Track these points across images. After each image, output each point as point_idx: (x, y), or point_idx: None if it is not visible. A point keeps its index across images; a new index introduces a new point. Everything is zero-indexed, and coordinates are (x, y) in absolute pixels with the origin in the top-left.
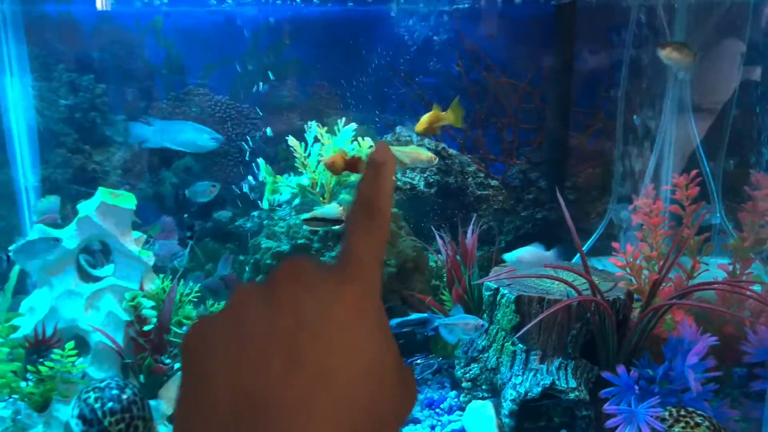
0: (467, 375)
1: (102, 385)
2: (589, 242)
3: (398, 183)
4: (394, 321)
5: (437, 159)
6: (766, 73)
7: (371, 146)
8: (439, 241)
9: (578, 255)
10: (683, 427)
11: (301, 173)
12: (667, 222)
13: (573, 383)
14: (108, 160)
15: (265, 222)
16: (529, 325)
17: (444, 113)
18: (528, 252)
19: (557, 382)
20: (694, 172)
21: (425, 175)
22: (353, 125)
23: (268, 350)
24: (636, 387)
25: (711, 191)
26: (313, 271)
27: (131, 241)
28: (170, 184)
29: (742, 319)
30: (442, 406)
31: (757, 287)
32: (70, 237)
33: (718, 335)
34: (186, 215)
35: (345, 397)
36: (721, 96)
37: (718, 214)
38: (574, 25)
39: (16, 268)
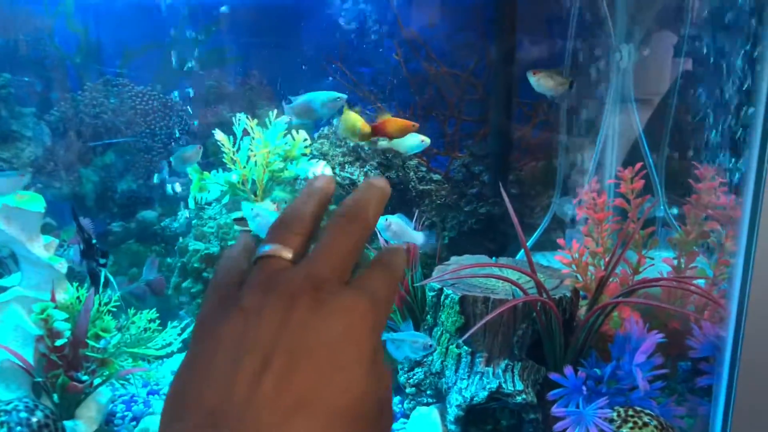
0: (411, 380)
1: (8, 407)
2: (533, 237)
3: (336, 178)
4: None
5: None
6: (708, 63)
7: (305, 140)
8: (381, 239)
9: (522, 251)
10: (631, 428)
11: (230, 169)
12: (612, 216)
13: (520, 386)
14: (16, 156)
15: (193, 222)
16: (474, 328)
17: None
18: (395, 221)
19: (504, 386)
20: (638, 165)
21: (365, 169)
22: (285, 117)
23: (237, 367)
24: (584, 388)
25: (654, 183)
26: (292, 276)
27: (40, 247)
28: (90, 182)
29: (687, 314)
30: None
31: (700, 282)
32: None
33: (664, 331)
34: (109, 220)
35: None
36: (662, 87)
37: (661, 207)
38: (516, 14)
39: None
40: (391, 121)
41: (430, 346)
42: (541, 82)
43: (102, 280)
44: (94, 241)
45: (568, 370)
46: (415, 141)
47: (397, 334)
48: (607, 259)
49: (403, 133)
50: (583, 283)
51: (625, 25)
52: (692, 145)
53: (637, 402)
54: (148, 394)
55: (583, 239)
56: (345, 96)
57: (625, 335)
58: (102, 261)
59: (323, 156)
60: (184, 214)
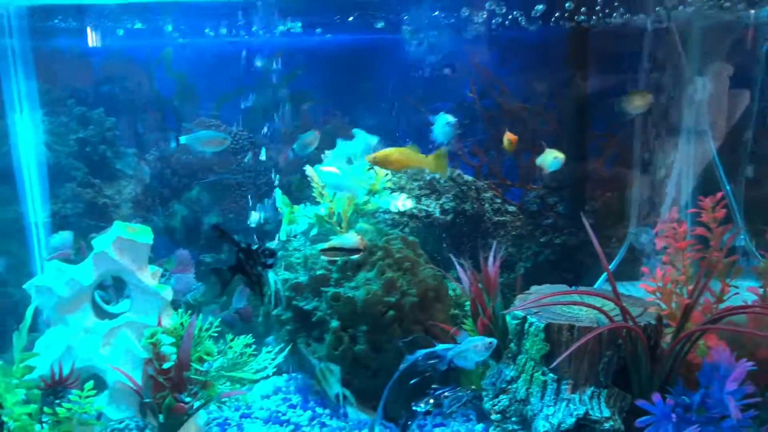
0: (496, 407)
1: (121, 426)
2: (611, 266)
3: (413, 210)
4: (410, 358)
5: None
6: None
7: (386, 174)
8: (459, 270)
9: (599, 281)
10: None
11: (317, 203)
12: (693, 245)
13: (607, 412)
14: (119, 193)
15: (280, 253)
16: (564, 355)
17: (424, 157)
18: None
19: (591, 412)
20: (719, 194)
21: (441, 201)
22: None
23: None
24: (673, 415)
25: (733, 212)
26: None
27: (148, 276)
28: (181, 216)
29: None
30: None
31: None
32: (85, 273)
33: (752, 360)
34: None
35: None
36: (736, 117)
37: (742, 236)
38: (587, 49)
39: (31, 306)
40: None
41: (490, 344)
42: (632, 101)
43: (272, 281)
44: (255, 246)
45: (656, 397)
46: (550, 157)
47: (457, 347)
48: (690, 288)
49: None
50: (668, 311)
51: (698, 59)
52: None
53: (729, 431)
54: (241, 417)
55: (664, 268)
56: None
57: (714, 363)
58: (270, 261)
59: (401, 189)
60: (271, 245)
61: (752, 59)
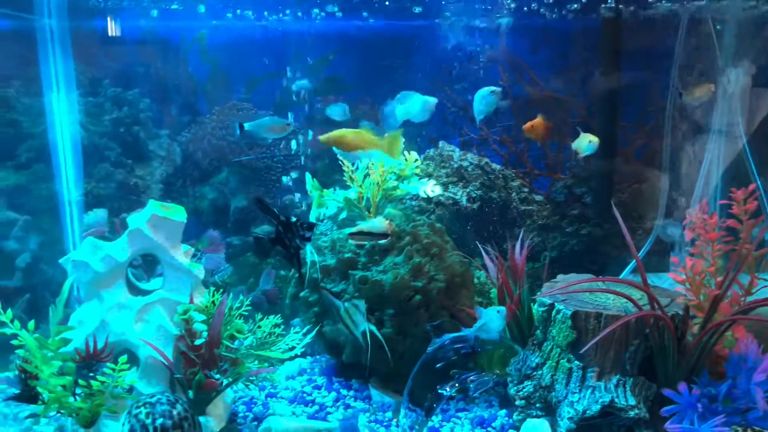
0: (521, 393)
1: (153, 400)
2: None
3: (441, 198)
4: (437, 341)
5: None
6: None
7: (416, 160)
8: (486, 257)
9: (626, 270)
10: None
11: (346, 188)
12: (723, 237)
13: (632, 401)
14: (150, 174)
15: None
16: (591, 342)
17: (378, 139)
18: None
19: (616, 400)
20: (752, 186)
21: (468, 189)
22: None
23: None
24: (698, 405)
25: (764, 206)
26: None
27: (181, 254)
28: (209, 199)
29: None
30: (493, 424)
31: None
32: (120, 250)
33: None
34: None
35: None
36: (764, 113)
37: None
38: (619, 39)
39: (68, 281)
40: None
41: (499, 311)
42: (695, 92)
43: (309, 255)
44: (293, 218)
45: (682, 386)
46: (585, 141)
47: (477, 324)
48: (718, 280)
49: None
50: (697, 302)
51: (732, 51)
52: None
53: (755, 422)
54: (267, 396)
55: (692, 259)
56: None
57: (741, 355)
58: (308, 234)
59: (429, 176)
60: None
61: None
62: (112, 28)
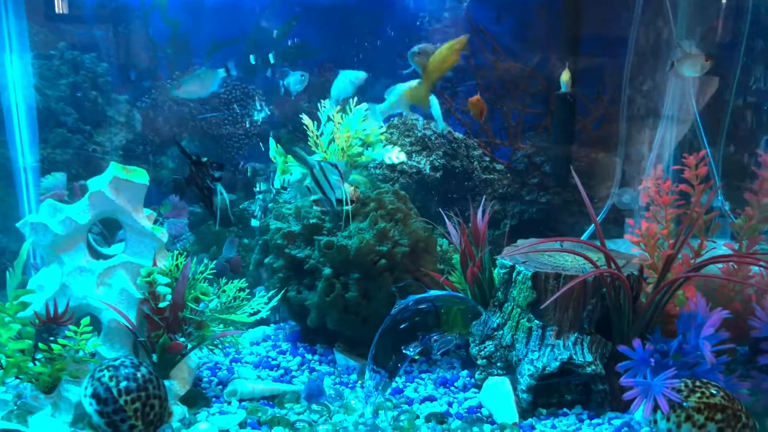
0: (482, 352)
1: (116, 363)
2: (593, 226)
3: (404, 166)
4: (402, 302)
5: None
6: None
7: (381, 126)
8: (448, 224)
9: (584, 236)
10: (699, 398)
11: (312, 152)
12: (676, 201)
13: (590, 357)
14: (109, 140)
15: (270, 205)
16: (549, 300)
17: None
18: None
19: (574, 357)
20: (702, 152)
21: (431, 158)
22: (365, 105)
23: None
24: (651, 360)
25: (713, 173)
26: None
27: (144, 218)
28: (169, 168)
29: (748, 295)
30: (456, 384)
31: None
32: (81, 212)
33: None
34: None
35: None
36: (721, 82)
37: (719, 196)
38: (580, 10)
39: (27, 243)
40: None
41: None
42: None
43: (218, 196)
44: (204, 159)
45: (636, 342)
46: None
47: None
48: (671, 242)
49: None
50: (651, 262)
51: (686, 21)
52: (750, 137)
53: (703, 375)
54: (231, 361)
55: (648, 222)
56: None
57: (691, 312)
58: (217, 174)
59: (393, 144)
60: (260, 197)
61: (740, 25)
62: None
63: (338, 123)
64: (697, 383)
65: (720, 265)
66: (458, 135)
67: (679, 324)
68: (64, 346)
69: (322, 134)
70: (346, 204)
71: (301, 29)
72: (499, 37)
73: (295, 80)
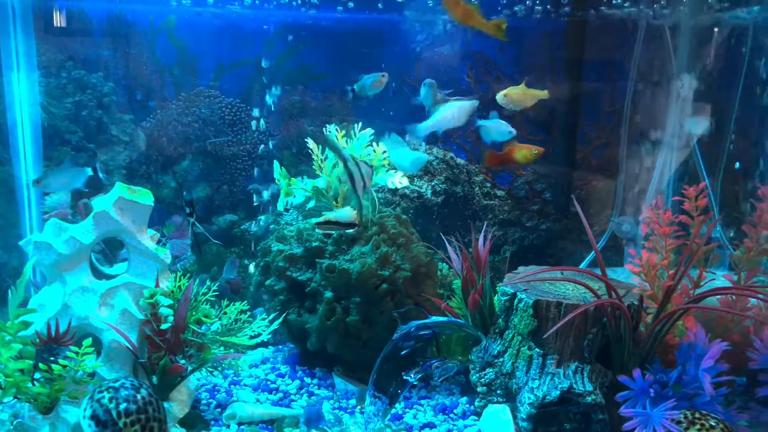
0: (482, 380)
1: (116, 384)
2: (592, 254)
3: (406, 191)
4: (404, 328)
5: None
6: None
7: (384, 151)
8: (449, 249)
9: (583, 264)
10: (698, 429)
11: (316, 176)
12: (676, 232)
13: (590, 387)
14: (113, 159)
15: (272, 227)
16: (552, 330)
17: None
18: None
19: (575, 386)
20: (702, 184)
21: (433, 183)
22: (370, 130)
23: None
24: (651, 390)
25: (712, 204)
26: None
27: (147, 238)
28: (170, 188)
29: (746, 327)
30: (455, 411)
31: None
32: (85, 232)
33: None
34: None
35: None
36: (720, 115)
37: (717, 228)
38: (583, 41)
39: (30, 262)
40: (518, 147)
41: None
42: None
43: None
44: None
45: (636, 372)
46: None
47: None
48: (671, 272)
49: (527, 158)
50: (651, 292)
51: (686, 56)
52: (749, 169)
53: (702, 407)
54: (230, 384)
55: (647, 253)
56: None
57: (691, 343)
58: (188, 210)
59: (395, 169)
60: (262, 218)
61: (739, 59)
62: (78, 8)
63: (342, 147)
64: (697, 415)
65: (719, 297)
66: (460, 161)
67: (679, 355)
68: (64, 366)
69: (326, 158)
70: (350, 228)
71: (307, 54)
72: (501, 65)
73: (369, 82)
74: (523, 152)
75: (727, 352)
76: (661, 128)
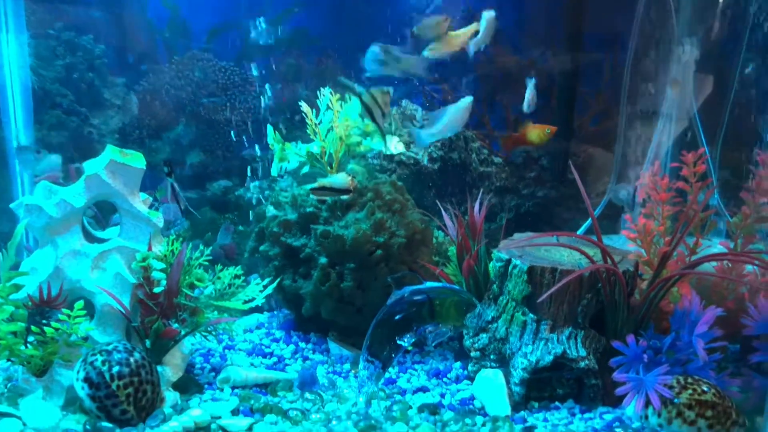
0: (476, 345)
1: (109, 348)
2: (589, 221)
3: (402, 157)
4: (398, 293)
5: None
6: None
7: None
8: (445, 216)
9: (580, 231)
10: (691, 394)
11: (310, 141)
12: (673, 198)
13: (583, 352)
14: (105, 123)
15: (266, 193)
16: (545, 295)
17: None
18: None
19: (568, 351)
20: (701, 150)
21: (429, 150)
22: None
23: None
24: (644, 356)
25: (711, 171)
26: None
27: (140, 202)
28: (164, 153)
29: (741, 293)
30: (449, 375)
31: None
32: (77, 195)
33: None
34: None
35: None
36: (721, 80)
37: (715, 195)
38: (583, 6)
39: (21, 225)
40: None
41: None
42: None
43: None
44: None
45: (630, 338)
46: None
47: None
48: (667, 239)
49: (541, 138)
50: (647, 258)
51: (688, 19)
52: (748, 136)
53: (695, 372)
54: (224, 348)
55: (644, 218)
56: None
57: (685, 309)
58: (166, 170)
59: (392, 134)
60: (256, 184)
61: (742, 25)
62: None
63: (337, 111)
64: (689, 380)
65: (714, 263)
66: None
67: (673, 321)
68: (56, 329)
69: (320, 122)
70: (344, 194)
71: (302, 17)
72: (499, 29)
73: (427, 24)
74: (537, 132)
75: (721, 319)
76: (662, 94)
